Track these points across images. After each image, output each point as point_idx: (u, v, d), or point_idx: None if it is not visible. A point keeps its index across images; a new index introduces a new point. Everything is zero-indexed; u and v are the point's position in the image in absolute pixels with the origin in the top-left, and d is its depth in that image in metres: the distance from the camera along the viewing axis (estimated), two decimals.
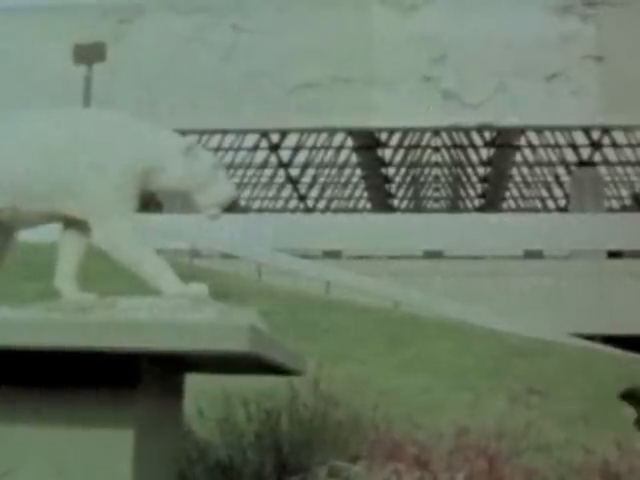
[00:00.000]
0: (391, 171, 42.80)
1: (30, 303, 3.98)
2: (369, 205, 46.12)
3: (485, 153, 39.59)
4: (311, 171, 41.12)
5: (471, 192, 45.55)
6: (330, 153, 39.95)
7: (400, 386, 9.83)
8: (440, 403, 8.98)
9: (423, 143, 39.68)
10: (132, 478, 3.76)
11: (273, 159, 38.09)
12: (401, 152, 40.75)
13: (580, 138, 33.77)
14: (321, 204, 44.59)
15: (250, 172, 40.48)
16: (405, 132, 36.13)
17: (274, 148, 36.60)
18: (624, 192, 40.53)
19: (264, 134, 34.44)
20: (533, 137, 37.17)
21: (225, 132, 33.04)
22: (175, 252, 17.27)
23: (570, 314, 21.60)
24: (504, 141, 37.06)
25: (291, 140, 36.23)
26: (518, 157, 40.05)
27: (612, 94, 25.76)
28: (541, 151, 38.61)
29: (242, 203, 40.76)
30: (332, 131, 34.37)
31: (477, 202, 45.28)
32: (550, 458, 4.96)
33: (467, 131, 34.01)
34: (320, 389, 5.39)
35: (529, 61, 25.98)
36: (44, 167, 4.11)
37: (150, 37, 27.63)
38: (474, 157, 40.50)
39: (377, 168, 41.68)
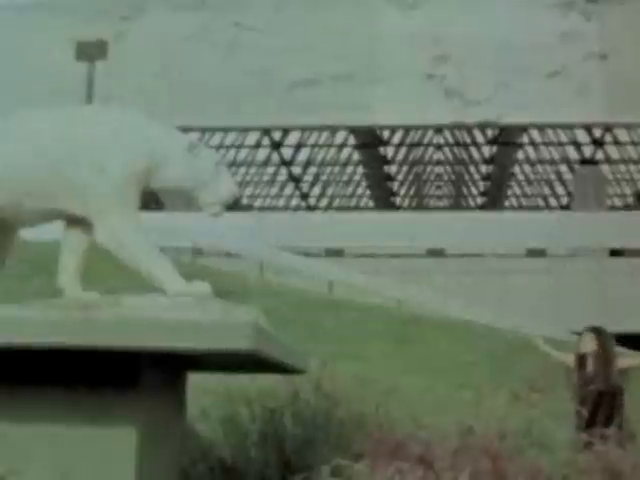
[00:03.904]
0: (393, 169, 42.77)
1: (32, 301, 3.97)
2: (371, 203, 46.09)
3: (487, 151, 39.58)
4: (313, 169, 41.12)
5: (473, 190, 45.52)
6: (332, 151, 39.95)
7: (403, 385, 9.82)
8: (443, 402, 8.97)
9: (425, 141, 39.65)
10: (135, 477, 3.75)
11: (275, 157, 38.08)
12: (403, 150, 40.73)
13: (582, 136, 33.74)
14: (323, 202, 44.58)
15: (252, 170, 40.48)
16: (407, 130, 36.10)
17: (276, 146, 36.59)
18: (627, 190, 40.48)
19: (266, 132, 34.42)
20: (535, 135, 37.15)
21: (227, 130, 33.03)
22: (177, 250, 17.26)
23: (572, 312, 21.57)
24: (506, 139, 37.03)
25: (293, 138, 36.22)
26: (520, 155, 40.03)
27: (615, 92, 25.72)
28: (543, 149, 38.58)
29: (244, 201, 40.76)
30: (334, 129, 34.36)
31: (479, 200, 45.26)
32: (553, 457, 4.94)
33: (469, 129, 33.98)
34: (323, 388, 5.38)
35: (531, 59, 25.93)
36: (46, 165, 4.11)
37: (152, 34, 27.62)
38: (476, 155, 40.48)
39: (379, 166, 41.66)
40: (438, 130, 36.47)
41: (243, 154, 38.32)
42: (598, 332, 7.57)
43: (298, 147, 37.70)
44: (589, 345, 7.43)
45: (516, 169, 42.08)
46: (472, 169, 42.79)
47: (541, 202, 44.35)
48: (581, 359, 7.44)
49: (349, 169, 42.62)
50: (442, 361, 12.40)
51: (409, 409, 5.86)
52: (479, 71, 26.21)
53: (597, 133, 33.24)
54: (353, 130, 35.32)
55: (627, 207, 39.11)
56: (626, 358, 7.41)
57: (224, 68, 27.49)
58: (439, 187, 46.73)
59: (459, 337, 14.14)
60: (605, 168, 35.24)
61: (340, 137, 38.09)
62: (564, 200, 40.54)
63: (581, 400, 7.22)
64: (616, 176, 38.95)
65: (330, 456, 4.38)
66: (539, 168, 41.22)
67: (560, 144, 36.85)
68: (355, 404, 5.46)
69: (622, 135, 34.08)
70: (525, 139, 37.90)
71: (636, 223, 24.28)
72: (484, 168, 41.80)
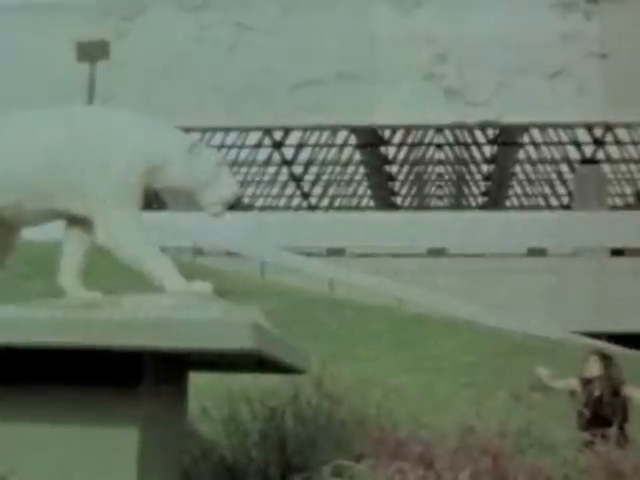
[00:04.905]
0: (394, 169, 42.77)
1: (34, 301, 3.97)
2: (372, 203, 46.08)
3: (488, 151, 39.57)
4: (314, 169, 41.11)
5: (474, 190, 45.51)
6: (333, 151, 39.94)
7: (404, 384, 9.83)
8: (444, 401, 8.97)
9: (426, 140, 39.63)
10: (136, 476, 3.75)
11: (276, 157, 38.07)
12: (404, 149, 40.72)
13: (583, 135, 33.72)
14: (324, 202, 44.56)
15: (253, 170, 40.48)
16: (408, 129, 36.10)
17: (277, 146, 36.58)
18: (627, 190, 40.46)
19: (267, 132, 34.42)
20: (536, 135, 37.14)
21: (228, 130, 33.03)
22: (178, 250, 17.27)
23: (573, 312, 21.58)
24: (507, 139, 37.02)
25: (294, 138, 36.21)
26: (521, 155, 40.01)
27: (615, 91, 25.72)
28: (544, 149, 38.57)
29: (245, 201, 40.76)
30: (335, 129, 34.35)
31: (480, 200, 45.25)
32: (554, 456, 4.94)
33: (470, 129, 33.98)
34: (324, 387, 5.37)
35: (532, 59, 25.94)
36: (48, 166, 4.11)
37: (153, 34, 27.63)
38: (477, 155, 40.47)
39: (380, 166, 41.65)
40: (439, 130, 36.46)
41: (244, 154, 38.32)
42: (603, 355, 7.54)
43: (299, 147, 37.70)
44: (595, 369, 7.38)
45: (517, 169, 42.08)
46: (473, 169, 42.78)
47: (542, 202, 44.33)
48: (587, 383, 7.40)
49: (350, 169, 42.61)
50: (443, 361, 12.40)
51: (410, 409, 5.85)
52: (480, 71, 26.22)
53: (598, 132, 33.22)
54: (354, 130, 35.32)
55: (628, 206, 39.10)
56: (634, 389, 7.35)
57: (225, 68, 27.50)
58: (440, 187, 46.73)
59: (460, 337, 14.14)
60: (606, 167, 35.23)
61: (341, 137, 38.07)
62: (565, 200, 40.52)
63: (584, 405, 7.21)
64: (617, 175, 38.94)
65: (331, 456, 4.38)
66: (540, 168, 41.21)
67: (561, 143, 36.82)
68: (356, 404, 5.45)
69: (623, 134, 34.07)
70: (526, 139, 37.89)
71: (637, 223, 24.28)
72: (485, 168, 41.79)
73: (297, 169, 40.13)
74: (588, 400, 7.26)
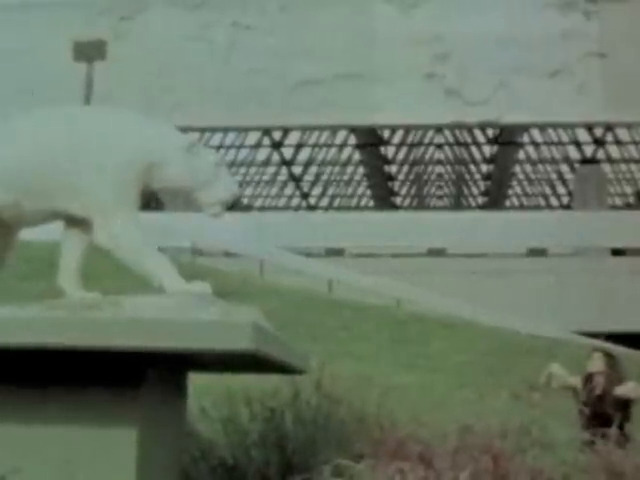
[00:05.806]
0: (394, 169, 42.78)
1: (33, 302, 3.97)
2: (372, 203, 46.09)
3: (488, 150, 39.58)
4: (314, 169, 41.13)
5: (474, 190, 45.52)
6: (333, 151, 39.95)
7: (404, 384, 9.83)
8: (444, 401, 8.98)
9: (426, 140, 39.64)
10: (136, 476, 3.75)
11: (275, 157, 38.07)
12: (404, 149, 40.73)
13: (583, 135, 33.74)
14: (324, 202, 44.57)
15: (252, 170, 40.49)
16: (408, 129, 36.09)
17: (276, 146, 36.58)
18: (628, 189, 40.48)
19: (266, 132, 34.41)
20: (536, 134, 37.15)
21: (227, 130, 33.01)
22: (177, 250, 17.25)
23: (573, 312, 21.57)
24: (507, 138, 37.03)
25: (293, 138, 36.22)
26: (521, 154, 40.02)
27: (615, 91, 25.70)
28: (544, 148, 38.58)
29: (244, 201, 40.75)
30: (334, 129, 34.35)
31: (480, 200, 45.27)
32: (554, 456, 4.94)
33: (470, 128, 33.98)
34: (323, 387, 5.37)
35: (532, 58, 25.92)
36: (46, 166, 4.10)
37: (151, 34, 27.60)
38: (477, 154, 40.48)
39: (380, 166, 41.66)
40: (439, 129, 36.45)
41: (243, 154, 38.32)
42: (607, 353, 7.57)
43: (298, 147, 37.71)
44: (598, 365, 7.41)
45: (517, 168, 42.09)
46: (473, 168, 42.79)
47: (542, 201, 44.35)
48: (589, 378, 7.41)
49: (350, 169, 42.62)
50: (443, 360, 12.41)
51: (410, 408, 5.86)
52: (479, 71, 26.20)
53: (598, 132, 33.24)
54: (354, 130, 35.31)
55: (628, 206, 39.12)
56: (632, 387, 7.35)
57: (224, 68, 27.48)
58: (440, 187, 46.74)
59: (459, 336, 14.15)
60: (606, 167, 35.24)
61: (341, 137, 38.08)
62: (565, 199, 40.53)
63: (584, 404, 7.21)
64: (617, 175, 38.97)
65: (331, 456, 4.37)
66: (540, 167, 41.23)
67: (561, 143, 36.85)
68: (356, 404, 5.45)
69: (623, 134, 34.09)
70: (526, 138, 37.90)
71: (637, 222, 24.28)
72: (485, 167, 41.81)
73: (296, 169, 40.14)
74: (588, 397, 7.26)
